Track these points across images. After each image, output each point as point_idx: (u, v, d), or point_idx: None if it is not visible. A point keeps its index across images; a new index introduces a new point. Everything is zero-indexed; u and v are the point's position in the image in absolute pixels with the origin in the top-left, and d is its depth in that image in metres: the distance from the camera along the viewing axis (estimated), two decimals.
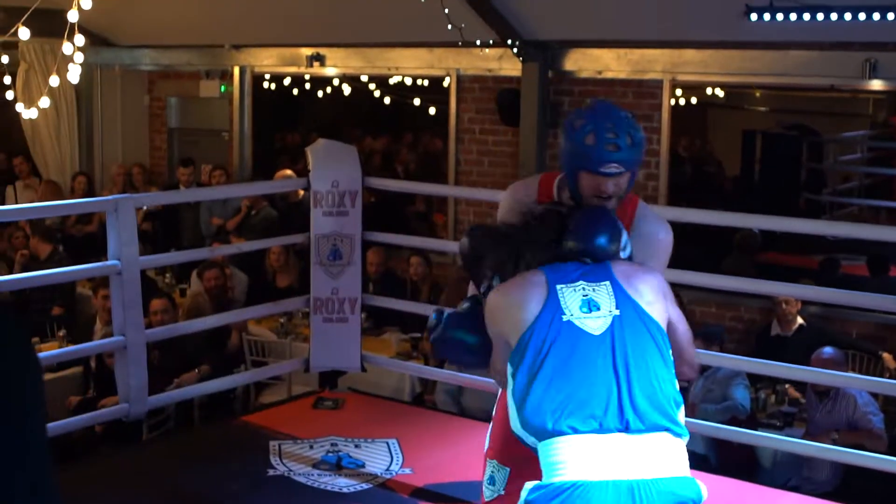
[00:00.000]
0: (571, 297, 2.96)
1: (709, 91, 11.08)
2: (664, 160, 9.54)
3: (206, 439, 5.92)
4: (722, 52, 9.02)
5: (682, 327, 3.16)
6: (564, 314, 2.93)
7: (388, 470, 5.10)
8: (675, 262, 9.75)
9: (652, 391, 2.84)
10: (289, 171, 10.27)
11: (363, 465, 5.13)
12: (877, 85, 8.50)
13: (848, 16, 7.81)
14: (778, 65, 8.76)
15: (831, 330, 8.41)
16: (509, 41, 9.48)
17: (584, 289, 2.97)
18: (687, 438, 2.89)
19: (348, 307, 6.01)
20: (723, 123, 13.81)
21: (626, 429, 2.79)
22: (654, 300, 3.03)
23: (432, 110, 11.84)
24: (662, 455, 2.81)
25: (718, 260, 9.78)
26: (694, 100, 10.85)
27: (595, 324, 2.91)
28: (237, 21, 11.18)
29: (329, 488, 4.90)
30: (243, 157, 12.33)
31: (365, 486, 4.93)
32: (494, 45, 9.65)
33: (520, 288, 3.05)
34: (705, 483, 4.05)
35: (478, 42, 9.54)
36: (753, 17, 8.12)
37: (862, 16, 7.77)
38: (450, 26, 8.87)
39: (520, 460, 3.29)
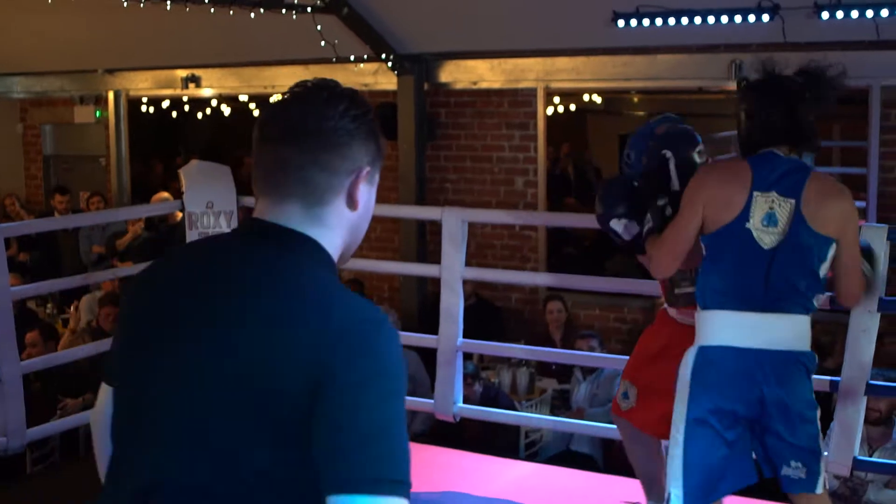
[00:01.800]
0: (761, 206, 3.46)
1: (587, 98, 11.24)
2: (542, 167, 9.66)
3: (94, 470, 5.79)
4: (593, 59, 9.18)
5: (845, 259, 3.56)
6: (748, 222, 3.46)
7: None
8: (558, 266, 9.89)
9: (790, 287, 3.49)
10: (165, 194, 10.15)
11: None
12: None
13: (712, 19, 8.01)
14: (648, 69, 8.95)
15: None
16: (383, 55, 9.52)
17: (773, 201, 3.45)
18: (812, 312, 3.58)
19: None
20: (602, 129, 14.01)
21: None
22: (830, 225, 3.48)
23: None
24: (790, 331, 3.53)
25: (601, 262, 9.94)
26: (573, 107, 11.00)
27: (768, 238, 3.45)
28: (109, 45, 11.02)
29: None
30: (121, 183, 12.16)
31: None
32: (369, 60, 9.68)
33: (729, 185, 3.52)
34: (594, 483, 4.18)
35: (352, 58, 9.56)
36: (621, 23, 8.28)
37: (725, 19, 7.98)
38: (323, 43, 8.88)
39: (647, 384, 4.15)
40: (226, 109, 12.15)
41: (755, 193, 3.45)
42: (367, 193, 1.95)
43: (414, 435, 6.67)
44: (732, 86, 8.78)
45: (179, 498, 1.74)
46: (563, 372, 7.78)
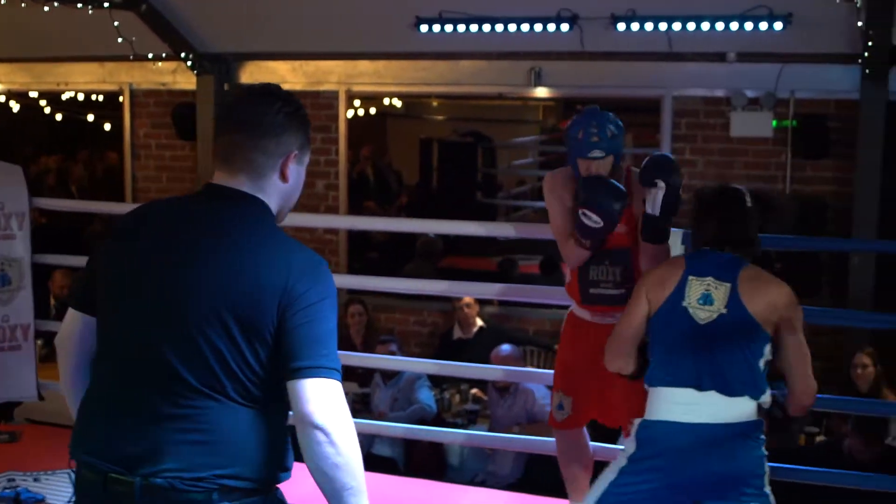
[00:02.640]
0: (696, 287, 3.65)
1: (387, 101, 11.27)
2: (343, 170, 9.64)
3: None
4: (395, 63, 9.22)
5: (792, 351, 3.67)
6: (684, 300, 3.64)
7: (69, 501, 4.89)
8: (360, 269, 9.86)
9: (729, 369, 3.61)
10: None
11: (43, 499, 4.91)
12: (542, 92, 8.91)
13: (513, 27, 8.16)
14: (449, 74, 9.04)
15: (509, 328, 8.75)
16: (183, 54, 9.33)
17: (708, 284, 3.64)
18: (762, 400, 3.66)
19: (20, 334, 5.74)
20: (402, 133, 14.07)
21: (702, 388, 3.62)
22: (769, 311, 3.61)
23: (108, 126, 11.47)
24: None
25: (401, 266, 9.98)
26: (373, 110, 11.02)
27: (704, 314, 3.62)
28: None
29: None
30: None
31: None
32: (168, 59, 9.48)
33: (665, 271, 3.78)
34: (395, 485, 4.15)
35: (150, 55, 9.34)
36: (423, 28, 8.34)
37: (526, 27, 8.14)
38: (120, 39, 8.64)
39: (582, 389, 4.29)
40: (14, 106, 11.68)
41: (690, 277, 3.66)
42: (295, 171, 2.63)
43: None
44: (531, 92, 9.05)
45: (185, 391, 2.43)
46: (364, 376, 7.76)
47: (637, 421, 3.74)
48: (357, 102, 9.93)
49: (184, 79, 9.75)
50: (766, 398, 3.65)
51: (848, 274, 7.98)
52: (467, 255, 11.06)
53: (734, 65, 8.22)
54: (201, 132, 9.68)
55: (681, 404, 3.62)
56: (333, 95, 9.51)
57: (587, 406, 4.32)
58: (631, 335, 3.79)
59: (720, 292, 3.61)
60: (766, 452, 3.67)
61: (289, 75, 9.60)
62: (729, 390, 3.59)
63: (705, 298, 3.61)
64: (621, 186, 4.12)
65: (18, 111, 11.73)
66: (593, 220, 4.05)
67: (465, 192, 12.77)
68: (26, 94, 11.35)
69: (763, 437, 3.67)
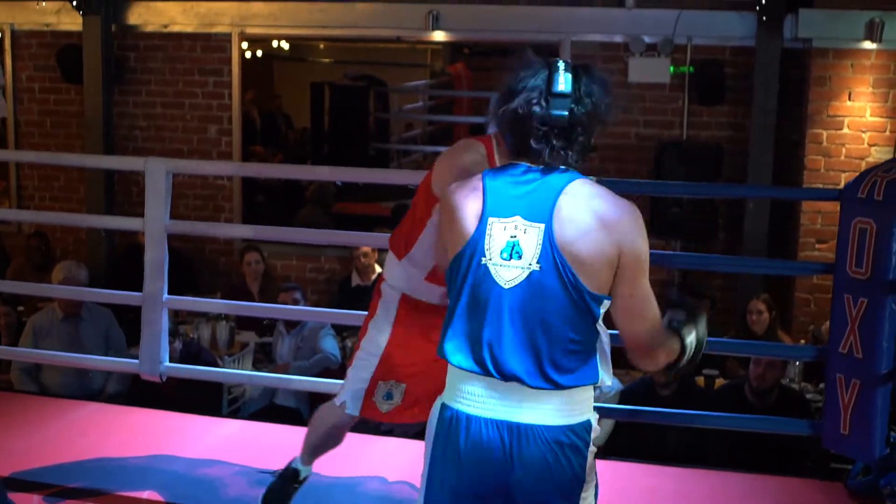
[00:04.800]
0: (499, 235, 2.75)
1: (274, 44, 11.05)
2: (236, 115, 9.45)
3: None
4: (290, 5, 9.02)
5: (633, 304, 2.80)
6: (484, 257, 2.76)
7: None
8: (251, 215, 9.70)
9: (534, 350, 2.75)
10: None
11: None
12: (439, 36, 8.80)
13: None
14: (346, 17, 8.88)
15: None
16: None
17: (515, 227, 2.74)
18: (574, 388, 2.79)
19: None
20: (289, 76, 13.85)
21: (498, 374, 2.77)
22: (594, 263, 2.72)
23: None
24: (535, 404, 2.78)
25: (293, 212, 9.85)
26: (259, 52, 10.79)
27: (509, 274, 2.74)
28: None
29: None
30: None
31: None
32: None
33: (461, 201, 2.85)
34: (300, 437, 4.03)
35: None
36: None
37: None
38: None
39: (416, 376, 3.90)
40: None
41: (490, 220, 2.77)
42: None
43: (109, 396, 6.40)
44: (429, 36, 8.94)
45: None
46: (263, 325, 7.65)
47: (438, 402, 2.93)
48: (245, 45, 9.71)
49: (69, 19, 9.41)
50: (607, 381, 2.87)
51: (743, 219, 8.09)
52: (360, 201, 10.96)
53: (632, 10, 8.24)
54: (88, 76, 9.37)
55: (474, 393, 2.81)
56: (226, 38, 9.28)
57: (424, 393, 3.80)
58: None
59: (530, 238, 2.73)
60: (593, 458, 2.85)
61: (179, 17, 9.33)
62: (540, 380, 2.74)
63: (511, 249, 2.75)
64: None
65: None
66: None
67: (358, 137, 12.62)
68: None
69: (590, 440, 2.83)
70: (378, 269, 8.45)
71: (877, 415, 4.24)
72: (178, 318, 7.72)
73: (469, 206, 2.82)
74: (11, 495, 4.37)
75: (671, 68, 8.29)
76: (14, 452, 4.83)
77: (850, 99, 7.84)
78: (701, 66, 8.31)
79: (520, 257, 2.72)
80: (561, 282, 2.71)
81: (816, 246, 7.96)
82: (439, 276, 3.56)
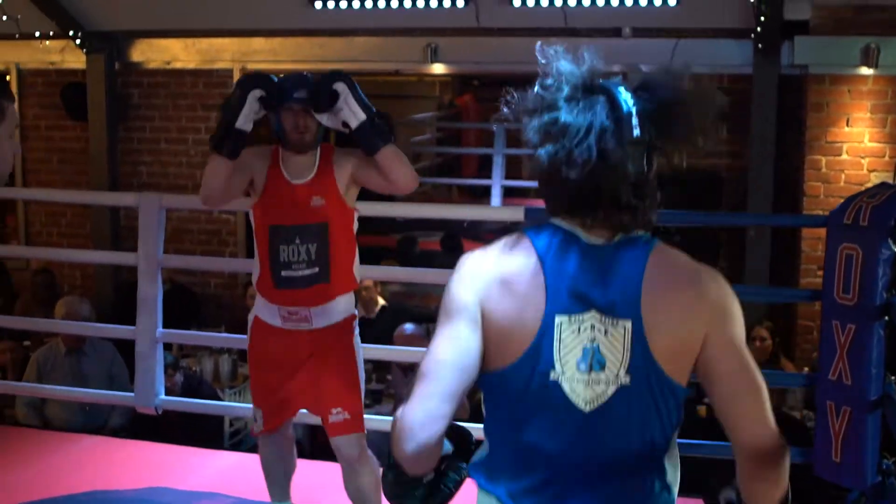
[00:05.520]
0: (571, 339, 2.07)
1: None
2: None
3: None
4: (290, 40, 9.10)
5: (744, 377, 2.13)
6: (554, 370, 2.07)
7: None
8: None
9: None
10: None
11: None
12: (438, 69, 8.86)
13: (409, 3, 8.12)
14: (345, 51, 8.94)
15: (412, 306, 8.71)
16: (71, 32, 9.10)
17: (593, 327, 2.07)
18: None
19: None
20: None
21: None
22: (687, 356, 2.12)
23: None
24: None
25: None
26: None
27: (589, 393, 2.07)
28: None
29: None
30: None
31: None
32: (55, 37, 9.24)
33: (507, 282, 2.12)
34: (301, 469, 4.08)
35: (37, 34, 9.09)
36: (318, 4, 8.25)
37: (421, 3, 8.10)
38: (5, 17, 8.39)
39: (270, 405, 4.05)
40: None
41: (557, 318, 2.08)
42: None
43: (112, 430, 6.44)
44: (428, 69, 9.00)
45: None
46: None
47: None
48: None
49: (73, 58, 9.51)
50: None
51: (744, 247, 8.10)
52: (366, 233, 10.98)
53: (630, 40, 8.28)
54: (92, 113, 9.47)
55: None
56: (227, 73, 9.35)
57: (282, 411, 4.13)
58: (449, 381, 2.11)
59: (615, 339, 2.07)
60: None
61: (181, 53, 9.43)
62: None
63: (588, 361, 2.07)
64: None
65: None
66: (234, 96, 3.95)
67: None
68: None
69: None
70: (381, 301, 8.48)
71: (868, 441, 4.24)
72: (182, 351, 7.77)
73: (522, 290, 2.10)
74: None
75: None
76: (15, 485, 4.89)
77: (848, 125, 7.85)
78: None
79: (602, 368, 2.06)
80: (653, 397, 2.08)
81: (818, 273, 7.92)
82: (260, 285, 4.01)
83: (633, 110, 2.08)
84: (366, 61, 9.05)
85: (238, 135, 3.83)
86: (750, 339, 7.22)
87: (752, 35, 7.81)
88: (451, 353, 2.11)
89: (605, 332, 2.07)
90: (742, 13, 7.67)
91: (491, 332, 2.11)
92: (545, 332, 2.07)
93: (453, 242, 9.47)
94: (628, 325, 2.06)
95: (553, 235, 2.14)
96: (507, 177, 10.74)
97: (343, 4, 8.22)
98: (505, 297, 2.11)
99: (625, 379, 2.06)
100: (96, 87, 9.42)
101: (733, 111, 8.18)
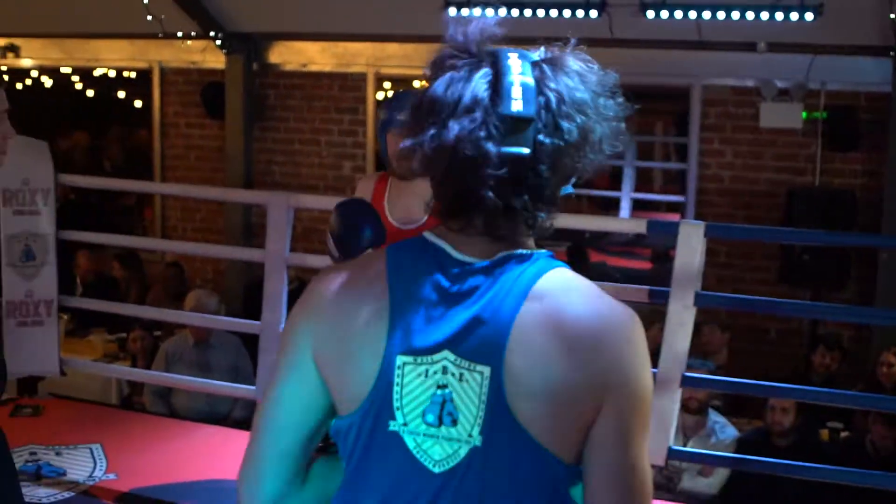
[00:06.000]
0: (417, 385, 1.64)
1: (417, 84, 11.25)
2: (370, 153, 9.63)
3: None
4: (424, 46, 9.15)
5: (618, 476, 1.63)
6: (394, 420, 1.65)
7: (90, 476, 4.93)
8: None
9: None
10: None
11: (64, 473, 4.94)
12: None
13: (542, 12, 8.11)
14: None
15: None
16: (212, 33, 9.34)
17: (444, 371, 1.63)
18: None
19: (44, 309, 5.77)
20: None
21: None
22: (568, 420, 1.61)
23: (138, 103, 11.51)
24: None
25: None
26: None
27: (439, 452, 1.64)
28: None
29: (27, 500, 4.69)
30: None
31: (66, 494, 4.75)
32: (197, 38, 9.50)
33: (345, 310, 1.71)
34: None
35: (179, 34, 9.36)
36: (452, 11, 8.31)
37: (554, 12, 8.10)
38: (149, 17, 8.66)
39: None
40: (47, 81, 11.73)
41: (400, 359, 1.65)
42: None
43: (235, 422, 6.59)
44: None
45: None
46: None
47: None
48: (387, 84, 9.91)
49: (214, 58, 9.77)
50: None
51: (876, 268, 7.91)
52: None
53: (764, 55, 8.16)
54: (230, 112, 9.70)
55: None
56: (362, 77, 9.50)
57: None
58: (283, 441, 1.78)
59: (469, 391, 1.62)
60: None
61: (317, 56, 9.60)
62: None
63: (437, 411, 1.64)
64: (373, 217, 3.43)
65: (51, 87, 11.79)
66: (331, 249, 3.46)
67: None
68: (58, 69, 11.40)
69: None
70: None
71: None
72: None
73: (360, 324, 1.68)
74: None
75: (803, 114, 8.18)
76: (138, 469, 5.03)
77: None
78: (834, 111, 8.18)
79: (454, 423, 1.62)
80: (517, 469, 1.62)
81: None
82: None
83: (519, 80, 1.63)
84: None
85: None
86: (878, 363, 7.04)
87: (891, 53, 7.64)
88: (279, 408, 1.76)
89: (461, 377, 1.62)
90: (881, 30, 7.50)
91: (327, 373, 1.72)
92: (384, 374, 1.64)
93: (579, 253, 9.45)
94: (486, 371, 1.60)
95: (415, 251, 1.71)
96: (637, 189, 10.67)
97: (476, 11, 8.24)
98: (341, 329, 1.69)
99: (478, 439, 1.61)
100: (234, 87, 9.66)
101: (871, 129, 8.06)
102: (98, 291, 8.46)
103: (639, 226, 5.04)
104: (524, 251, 1.68)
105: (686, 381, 4.58)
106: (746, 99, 8.42)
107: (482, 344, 1.61)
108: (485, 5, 8.23)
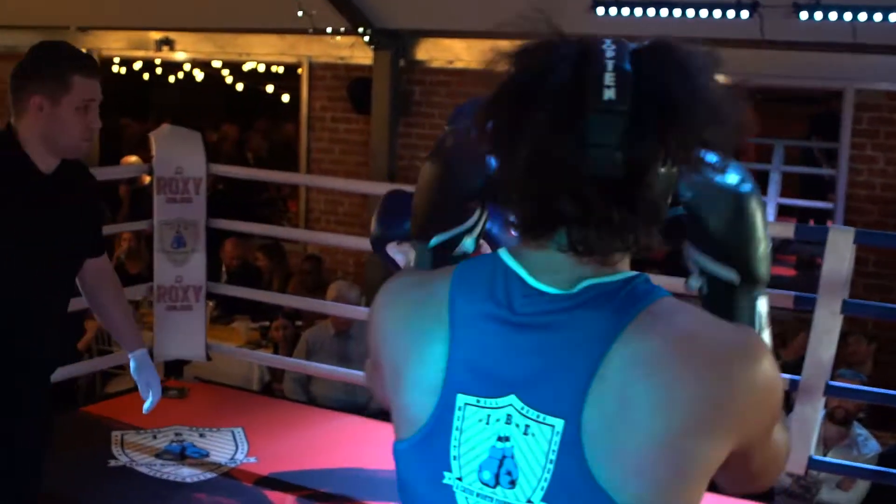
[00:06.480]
0: (477, 433, 1.38)
1: None
2: None
3: None
4: None
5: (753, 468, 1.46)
6: (449, 471, 1.40)
7: (232, 459, 5.05)
8: None
9: None
10: (134, 158, 10.08)
11: (207, 455, 5.07)
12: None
13: (691, 12, 8.03)
14: None
15: None
16: (360, 29, 9.47)
17: (509, 420, 1.36)
18: None
19: (192, 295, 5.93)
20: None
21: None
22: (673, 482, 1.32)
23: (286, 97, 11.75)
24: None
25: None
26: None
27: None
28: (83, 2, 10.91)
29: (172, 478, 4.82)
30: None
31: (209, 475, 4.87)
32: (345, 33, 9.63)
33: (403, 343, 1.48)
34: None
35: (328, 30, 9.50)
36: (600, 10, 8.28)
37: (704, 12, 8.02)
38: (300, 13, 8.81)
39: None
40: (198, 74, 12.05)
41: (461, 399, 1.40)
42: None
43: (372, 412, 6.68)
44: None
45: None
46: None
47: None
48: None
49: (361, 53, 9.88)
50: None
51: None
52: None
53: None
54: (376, 107, 9.81)
55: None
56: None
57: None
58: None
59: (536, 444, 1.34)
60: None
61: (463, 53, 9.65)
62: None
63: (495, 469, 1.37)
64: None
65: (202, 80, 12.11)
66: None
67: None
68: (209, 63, 11.70)
69: None
70: None
71: None
72: None
73: (416, 348, 1.45)
74: (269, 494, 4.67)
75: None
76: (277, 454, 5.14)
77: None
78: None
79: (512, 485, 1.35)
80: None
81: None
82: None
83: (612, 64, 1.35)
84: None
85: None
86: None
87: None
88: None
89: (526, 430, 1.34)
90: None
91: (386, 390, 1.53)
92: (442, 413, 1.40)
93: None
94: (559, 426, 1.32)
95: (484, 272, 1.43)
96: (783, 195, 10.49)
97: (625, 11, 8.21)
98: (397, 351, 1.48)
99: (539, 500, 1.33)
100: (381, 82, 9.76)
101: None
102: (242, 280, 8.65)
103: (786, 230, 4.93)
104: (615, 278, 1.37)
105: (829, 390, 4.48)
106: None
107: (556, 391, 1.33)
108: (634, 5, 8.24)
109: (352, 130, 10.39)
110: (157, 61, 12.09)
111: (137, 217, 7.25)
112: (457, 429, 1.38)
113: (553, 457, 1.32)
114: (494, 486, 1.36)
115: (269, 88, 12.35)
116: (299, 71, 10.63)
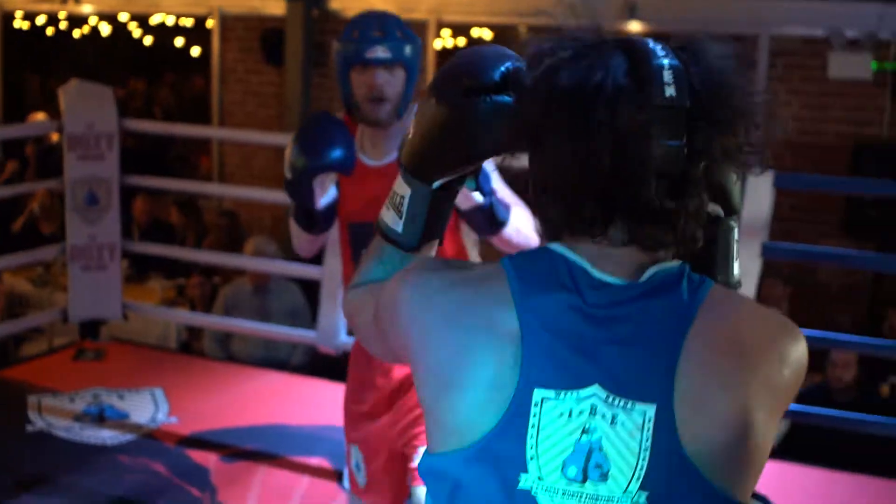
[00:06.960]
0: (558, 428, 1.33)
1: (476, 33, 11.16)
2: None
3: None
4: None
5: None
6: (526, 472, 1.33)
7: (152, 419, 4.97)
8: None
9: None
10: (41, 115, 9.82)
11: (127, 416, 4.99)
12: (635, 26, 8.68)
13: None
14: (544, 7, 8.87)
15: None
16: None
17: (593, 412, 1.32)
18: None
19: (107, 254, 5.81)
20: None
21: None
22: (753, 458, 1.34)
23: (195, 51, 11.53)
24: None
25: None
26: (462, 41, 10.91)
27: None
28: None
29: (92, 441, 4.74)
30: None
31: (129, 436, 4.80)
32: None
33: (456, 335, 1.40)
34: None
35: None
36: None
37: None
38: None
39: (372, 449, 2.92)
40: (105, 28, 11.77)
41: (538, 394, 1.33)
42: None
43: (294, 367, 6.61)
44: (625, 26, 8.84)
45: None
46: None
47: None
48: (447, 32, 9.81)
49: (274, 4, 9.72)
50: None
51: None
52: None
53: (834, 3, 7.99)
54: (289, 58, 9.66)
55: None
56: (423, 24, 9.41)
57: (379, 475, 2.95)
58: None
59: (628, 433, 1.31)
60: None
61: (378, 2, 9.52)
62: None
63: (583, 462, 1.32)
64: (341, 129, 2.85)
65: (109, 34, 11.83)
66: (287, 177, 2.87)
67: None
68: (116, 16, 11.43)
69: None
70: None
71: None
72: None
73: (472, 359, 1.38)
74: (192, 453, 4.60)
75: (873, 64, 8.01)
76: (199, 413, 5.07)
77: None
78: None
79: (604, 478, 1.31)
80: None
81: None
82: None
83: (666, 63, 1.36)
84: (563, 16, 8.97)
85: (318, 215, 3.02)
86: None
87: None
88: None
89: (613, 420, 1.32)
90: None
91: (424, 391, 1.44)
92: (516, 412, 1.33)
93: None
94: (650, 412, 1.31)
95: (542, 266, 1.41)
96: None
97: None
98: (449, 350, 1.40)
99: (639, 497, 1.30)
100: (294, 33, 9.60)
101: None
102: (155, 237, 8.48)
103: None
104: (674, 264, 1.40)
105: None
106: (815, 49, 8.25)
107: (643, 377, 1.32)
108: None
109: (265, 83, 10.23)
110: (62, 15, 11.78)
111: (46, 176, 7.06)
112: (533, 426, 1.33)
113: (647, 444, 1.30)
114: (583, 482, 1.31)
115: (179, 41, 12.11)
116: (209, 23, 10.43)
